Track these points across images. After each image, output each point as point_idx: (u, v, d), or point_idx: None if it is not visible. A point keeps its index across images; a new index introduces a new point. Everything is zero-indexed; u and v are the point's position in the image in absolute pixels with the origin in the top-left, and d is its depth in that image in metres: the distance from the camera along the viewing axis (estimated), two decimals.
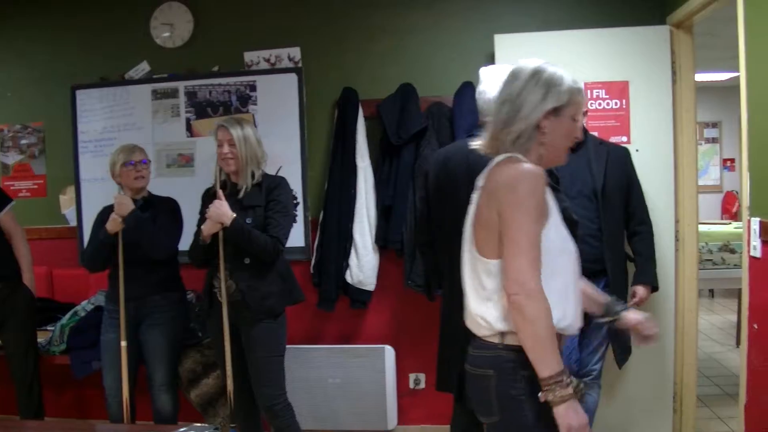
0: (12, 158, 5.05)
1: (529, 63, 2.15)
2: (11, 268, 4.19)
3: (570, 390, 1.94)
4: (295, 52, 4.61)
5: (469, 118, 4.01)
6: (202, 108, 4.63)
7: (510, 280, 1.95)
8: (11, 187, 4.98)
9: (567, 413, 1.93)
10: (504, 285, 1.99)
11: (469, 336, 2.25)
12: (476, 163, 2.91)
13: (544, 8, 4.45)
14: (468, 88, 4.22)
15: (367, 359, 4.48)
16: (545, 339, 1.93)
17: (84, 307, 4.52)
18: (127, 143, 3.93)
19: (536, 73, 2.10)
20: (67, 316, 4.49)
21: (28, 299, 4.23)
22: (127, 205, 3.69)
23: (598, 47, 4.22)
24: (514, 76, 2.14)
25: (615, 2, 4.39)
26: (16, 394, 4.22)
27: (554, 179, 2.86)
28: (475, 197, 2.20)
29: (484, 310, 2.10)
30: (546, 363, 1.93)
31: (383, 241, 4.38)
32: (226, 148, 3.54)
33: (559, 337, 2.05)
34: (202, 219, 3.57)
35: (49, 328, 4.56)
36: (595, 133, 3.97)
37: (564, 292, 2.07)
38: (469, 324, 2.22)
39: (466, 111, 4.13)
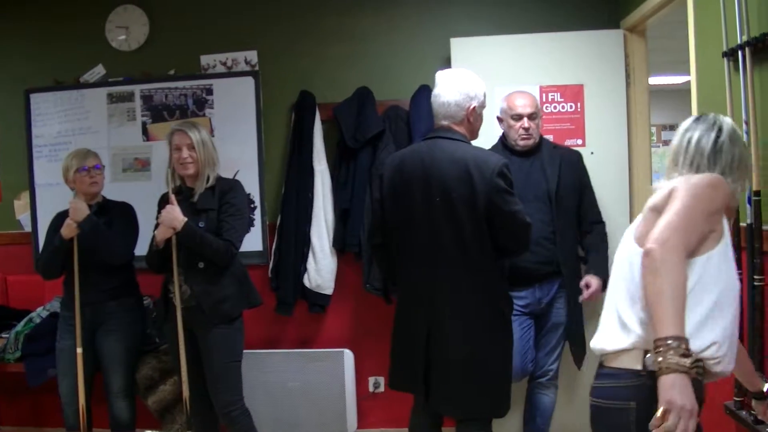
0: None
1: (728, 121, 2.15)
2: None
3: (686, 362, 1.72)
4: (252, 55, 4.62)
5: (426, 122, 4.04)
6: (158, 112, 4.61)
7: (653, 236, 1.85)
8: None
9: (673, 386, 1.71)
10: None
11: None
12: (431, 166, 2.97)
13: (499, 12, 4.51)
14: (425, 92, 4.26)
15: (326, 363, 4.47)
16: (673, 297, 1.77)
17: (39, 313, 4.48)
18: (81, 148, 3.91)
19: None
20: (22, 323, 4.45)
21: None
22: (82, 210, 3.67)
23: (553, 51, 4.28)
24: (728, 135, 2.11)
25: (570, 7, 4.46)
26: None
27: (509, 183, 2.92)
28: (641, 216, 2.11)
29: (629, 316, 2.00)
30: (667, 322, 1.75)
31: (341, 244, 4.40)
32: (185, 152, 3.54)
33: (709, 374, 1.93)
34: (158, 224, 3.57)
35: (3, 335, 4.50)
36: (550, 137, 4.02)
37: (731, 330, 1.93)
38: (600, 343, 2.12)
39: (424, 114, 4.16)
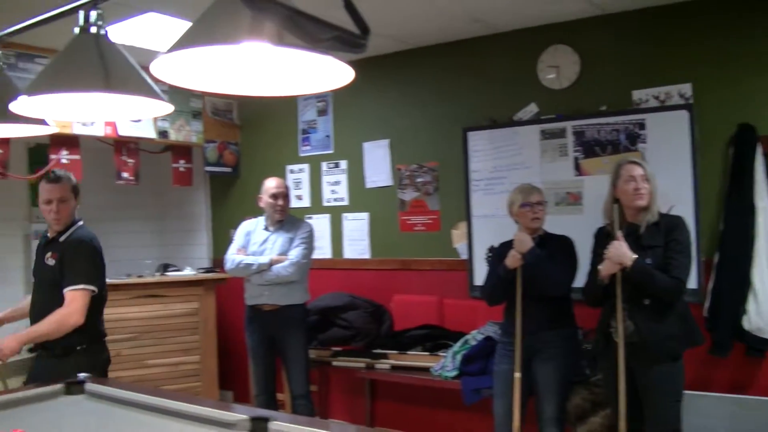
0: (409, 195, 5.68)
1: None
2: None
3: None
4: (686, 88, 4.62)
5: None
6: (590, 147, 4.83)
7: None
8: (407, 221, 5.63)
9: None
10: None
11: None
12: None
13: None
14: None
15: (761, 413, 4.29)
16: None
17: (474, 336, 4.92)
18: (526, 184, 4.27)
19: None
20: (459, 343, 4.92)
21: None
22: (526, 243, 3.99)
23: None
24: None
25: None
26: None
27: None
28: None
29: None
30: None
31: None
32: (640, 183, 3.69)
33: None
34: (597, 258, 3.74)
35: (441, 353, 5.01)
36: None
37: None
38: None
39: None
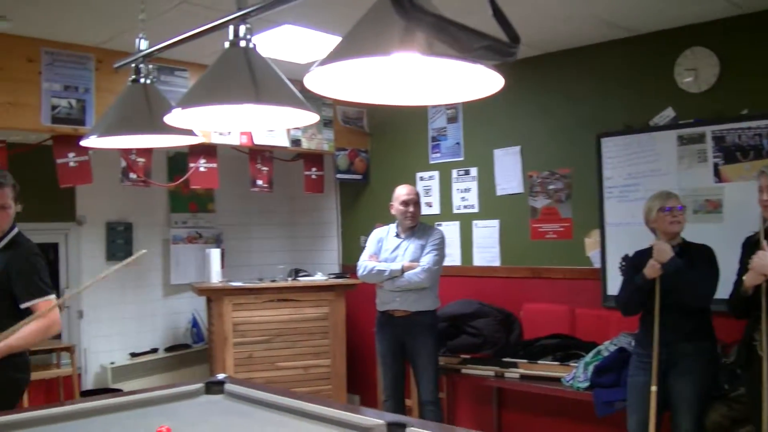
0: (540, 202, 5.66)
1: None
2: None
3: None
4: None
5: None
6: (730, 153, 4.68)
7: None
8: (539, 229, 5.61)
9: None
10: None
11: None
12: None
13: None
14: None
15: None
16: None
17: (607, 347, 4.84)
18: (663, 190, 4.19)
19: None
20: (591, 354, 4.86)
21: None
22: (666, 252, 3.91)
23: None
24: None
25: None
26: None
27: None
28: None
29: None
30: None
31: None
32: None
33: None
34: (743, 268, 3.63)
35: (572, 363, 4.96)
36: None
37: None
38: None
39: None
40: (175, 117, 2.43)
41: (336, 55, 1.71)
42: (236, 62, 2.32)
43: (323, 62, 1.72)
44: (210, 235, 7.31)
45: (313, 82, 1.85)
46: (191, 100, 2.33)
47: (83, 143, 3.23)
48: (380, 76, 1.92)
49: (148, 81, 3.08)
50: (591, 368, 4.77)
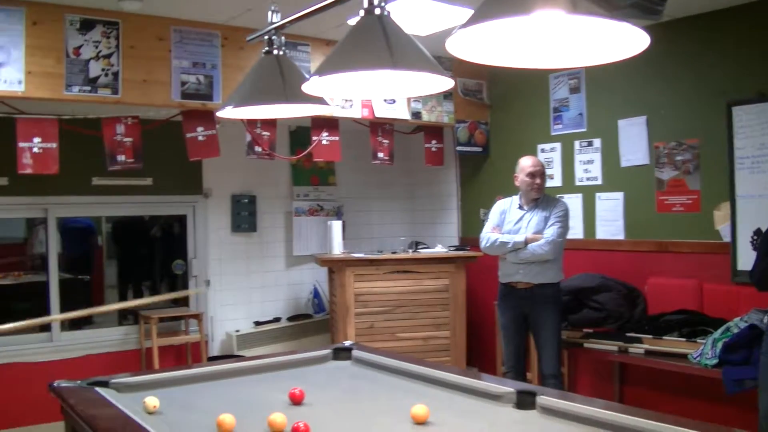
0: (667, 174, 5.55)
1: None
2: None
3: None
4: None
5: None
6: None
7: None
8: (665, 201, 5.51)
9: None
10: None
11: None
12: None
13: None
14: None
15: None
16: None
17: (737, 323, 4.73)
18: None
19: None
20: (720, 331, 4.75)
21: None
22: None
23: None
24: None
25: None
26: None
27: None
28: None
29: None
30: None
31: None
32: None
33: None
34: None
35: (699, 340, 4.87)
36: None
37: None
38: None
39: None
40: (312, 85, 2.54)
41: (477, 17, 1.73)
42: (372, 30, 2.40)
43: (465, 25, 1.75)
44: (331, 207, 7.49)
45: (455, 45, 1.89)
46: (329, 67, 2.42)
47: (219, 114, 3.40)
48: (519, 39, 1.94)
49: (281, 52, 3.22)
50: (720, 345, 4.67)
